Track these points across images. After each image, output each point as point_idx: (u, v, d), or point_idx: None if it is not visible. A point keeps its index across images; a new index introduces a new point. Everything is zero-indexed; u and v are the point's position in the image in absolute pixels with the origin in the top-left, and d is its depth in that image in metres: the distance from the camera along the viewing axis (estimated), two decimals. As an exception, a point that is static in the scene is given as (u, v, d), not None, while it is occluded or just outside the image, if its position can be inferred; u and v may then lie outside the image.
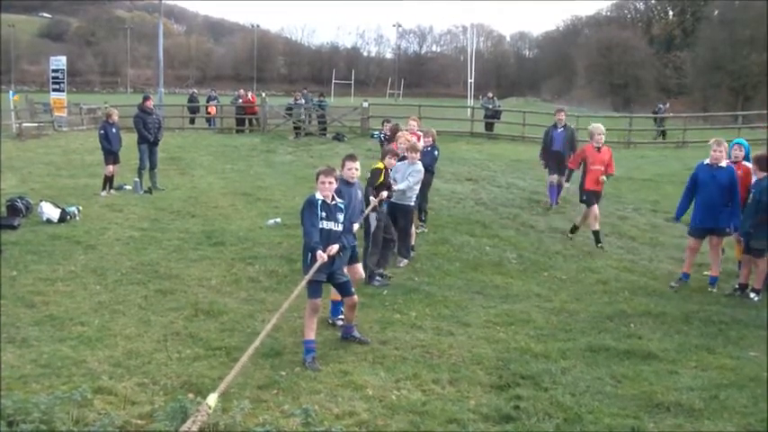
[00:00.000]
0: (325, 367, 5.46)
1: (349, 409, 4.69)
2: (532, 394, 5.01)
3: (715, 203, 7.92)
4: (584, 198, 10.07)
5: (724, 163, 7.95)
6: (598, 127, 10.16)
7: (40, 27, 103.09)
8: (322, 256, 5.44)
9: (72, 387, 4.72)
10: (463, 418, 4.58)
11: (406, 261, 8.76)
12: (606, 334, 6.42)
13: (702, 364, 5.69)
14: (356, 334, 6.06)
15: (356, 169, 6.63)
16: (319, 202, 5.67)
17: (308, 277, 5.47)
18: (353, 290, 5.96)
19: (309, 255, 5.62)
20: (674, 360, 5.77)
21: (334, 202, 5.76)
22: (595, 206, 9.97)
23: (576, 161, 10.52)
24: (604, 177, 9.91)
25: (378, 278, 7.87)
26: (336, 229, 5.71)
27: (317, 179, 5.75)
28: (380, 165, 7.97)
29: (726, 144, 8.10)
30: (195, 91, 37.28)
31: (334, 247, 5.58)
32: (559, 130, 12.58)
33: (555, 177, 12.57)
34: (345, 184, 6.43)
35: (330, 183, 5.73)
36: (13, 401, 4.20)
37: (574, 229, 10.49)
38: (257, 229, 10.63)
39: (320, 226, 5.62)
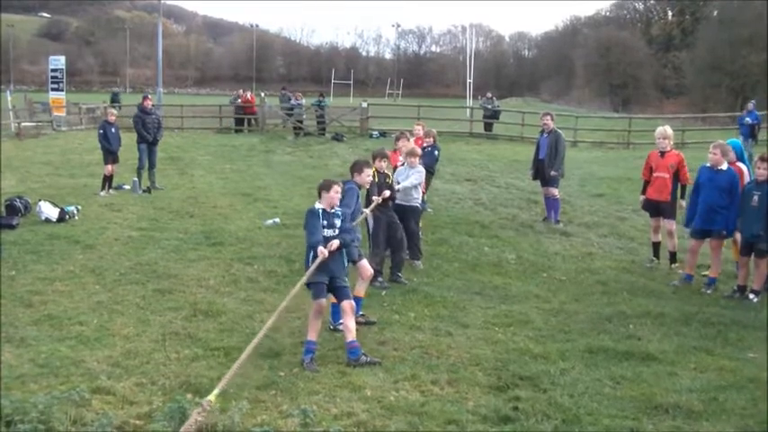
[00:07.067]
0: (324, 368, 5.46)
1: (347, 409, 4.69)
2: (531, 395, 5.00)
3: (713, 206, 7.94)
4: (643, 207, 9.19)
5: (724, 166, 7.97)
6: (660, 130, 8.95)
7: (40, 27, 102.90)
8: (323, 252, 5.54)
9: (70, 387, 4.72)
10: (462, 419, 4.58)
11: (419, 263, 8.74)
12: (605, 335, 6.42)
13: (701, 365, 5.69)
14: (364, 359, 5.57)
15: (371, 176, 7.11)
16: (320, 211, 5.85)
17: (307, 274, 5.60)
18: (351, 295, 5.97)
19: (311, 253, 5.76)
20: (673, 361, 5.76)
21: (333, 210, 5.93)
22: (655, 219, 8.99)
23: (645, 170, 9.08)
24: (683, 202, 8.75)
25: (379, 279, 7.86)
26: (333, 234, 5.89)
27: (330, 189, 5.88)
28: (372, 168, 8.04)
29: (727, 146, 8.11)
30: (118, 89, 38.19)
31: (335, 243, 5.69)
32: (545, 137, 11.56)
33: (545, 189, 11.67)
34: (359, 187, 6.88)
35: (337, 193, 5.97)
36: (11, 401, 4.20)
37: (672, 258, 9.04)
38: (256, 229, 10.63)
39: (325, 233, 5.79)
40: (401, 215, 8.34)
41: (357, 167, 6.96)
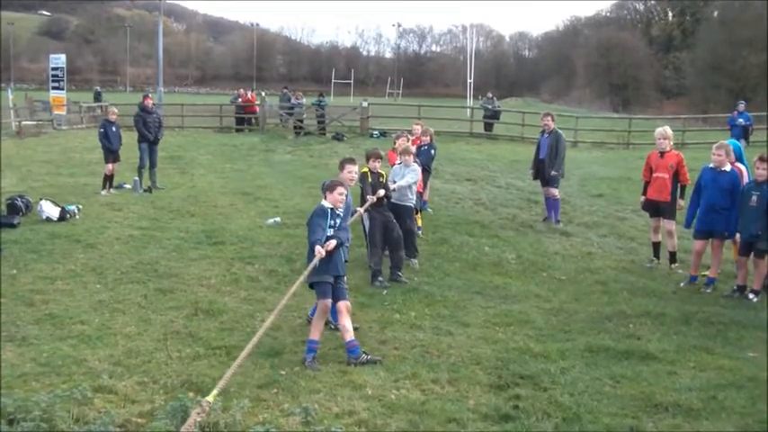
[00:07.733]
0: (325, 366, 5.47)
1: (348, 408, 4.70)
2: (531, 394, 5.02)
3: (715, 206, 7.96)
4: (643, 207, 9.28)
5: (728, 167, 7.99)
6: (660, 131, 9.00)
7: (40, 25, 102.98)
8: (320, 252, 5.55)
9: (72, 385, 4.73)
10: (462, 418, 4.60)
11: (415, 261, 8.75)
12: (605, 334, 6.44)
13: (701, 364, 5.71)
14: (365, 357, 5.63)
15: (355, 173, 6.92)
16: (329, 210, 5.85)
17: (305, 273, 5.61)
18: (347, 295, 5.99)
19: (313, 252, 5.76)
20: (672, 360, 5.78)
21: (338, 210, 5.96)
22: (654, 219, 9.05)
23: (645, 170, 9.12)
24: (682, 203, 8.82)
25: (380, 278, 7.87)
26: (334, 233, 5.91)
27: (335, 189, 5.87)
28: (365, 169, 8.03)
29: (729, 147, 8.13)
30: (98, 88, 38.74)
31: (332, 243, 5.69)
32: (545, 137, 11.56)
33: (545, 189, 11.69)
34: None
35: (342, 194, 5.95)
36: (14, 400, 4.22)
37: (672, 258, 9.05)
38: (257, 228, 10.64)
39: (328, 233, 5.78)
40: (395, 214, 8.37)
41: (340, 165, 6.95)
